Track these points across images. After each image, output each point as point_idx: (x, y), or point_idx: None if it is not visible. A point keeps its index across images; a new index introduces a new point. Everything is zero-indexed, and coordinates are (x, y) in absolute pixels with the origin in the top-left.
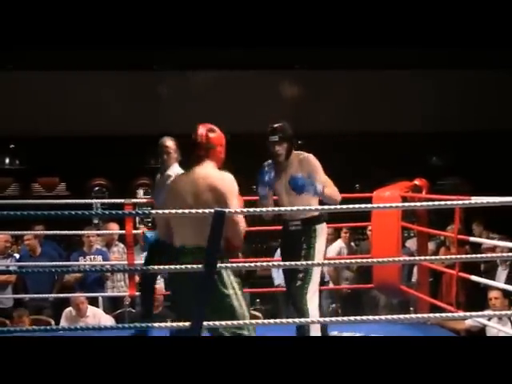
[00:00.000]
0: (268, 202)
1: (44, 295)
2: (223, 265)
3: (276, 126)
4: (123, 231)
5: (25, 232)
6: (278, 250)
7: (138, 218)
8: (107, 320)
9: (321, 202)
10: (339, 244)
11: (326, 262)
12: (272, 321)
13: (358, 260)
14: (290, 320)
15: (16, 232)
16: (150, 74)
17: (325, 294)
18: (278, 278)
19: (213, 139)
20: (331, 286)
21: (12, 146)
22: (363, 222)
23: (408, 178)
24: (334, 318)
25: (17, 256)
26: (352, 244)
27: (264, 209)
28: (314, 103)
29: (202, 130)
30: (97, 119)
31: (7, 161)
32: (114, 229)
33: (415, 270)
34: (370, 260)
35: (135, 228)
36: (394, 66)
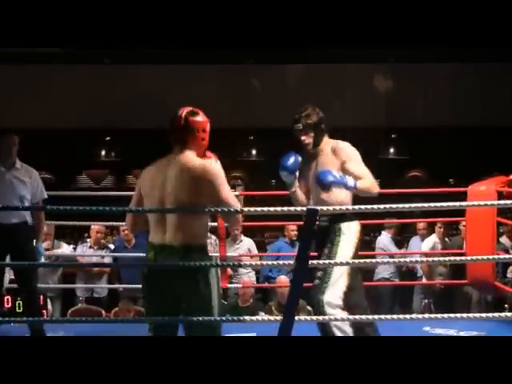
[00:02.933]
0: (295, 190)
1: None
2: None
3: (299, 113)
4: (215, 223)
5: (120, 223)
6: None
7: None
8: None
9: (354, 197)
10: (433, 239)
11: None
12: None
13: (452, 258)
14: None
15: (110, 223)
16: (241, 67)
17: (417, 290)
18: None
19: (193, 122)
20: (424, 281)
21: (108, 138)
22: (457, 216)
23: (505, 173)
24: (427, 315)
25: (111, 247)
26: (446, 239)
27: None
28: (408, 97)
29: (181, 112)
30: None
31: (103, 153)
32: None
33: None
34: (463, 258)
35: None
36: (494, 59)
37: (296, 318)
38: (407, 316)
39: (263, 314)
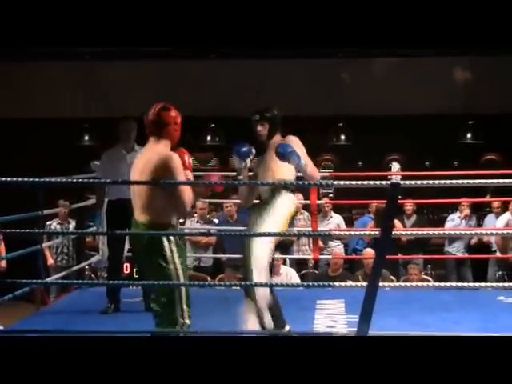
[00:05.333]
0: (242, 178)
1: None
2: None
3: (259, 108)
4: (308, 201)
5: (224, 200)
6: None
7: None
8: (296, 278)
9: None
10: (507, 216)
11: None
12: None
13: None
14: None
15: (215, 200)
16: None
17: (492, 263)
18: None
19: (165, 117)
20: (498, 254)
21: (212, 125)
22: None
23: None
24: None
25: (216, 221)
26: None
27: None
28: (484, 86)
29: (154, 107)
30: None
31: (208, 138)
32: (298, 199)
33: None
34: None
35: (319, 198)
36: None
37: (380, 284)
38: (482, 284)
39: (351, 282)
